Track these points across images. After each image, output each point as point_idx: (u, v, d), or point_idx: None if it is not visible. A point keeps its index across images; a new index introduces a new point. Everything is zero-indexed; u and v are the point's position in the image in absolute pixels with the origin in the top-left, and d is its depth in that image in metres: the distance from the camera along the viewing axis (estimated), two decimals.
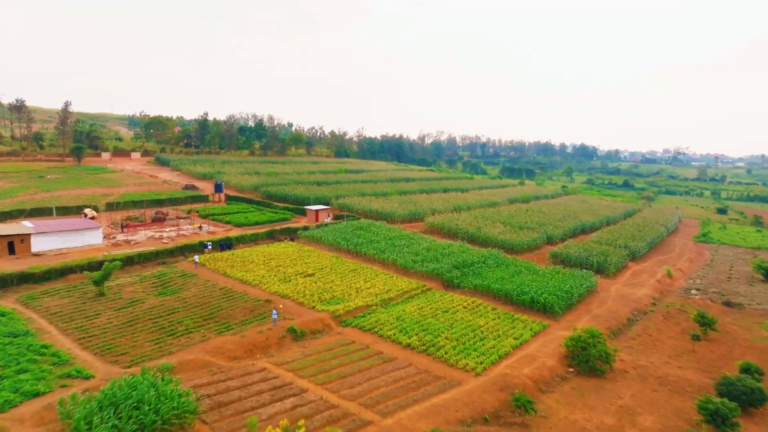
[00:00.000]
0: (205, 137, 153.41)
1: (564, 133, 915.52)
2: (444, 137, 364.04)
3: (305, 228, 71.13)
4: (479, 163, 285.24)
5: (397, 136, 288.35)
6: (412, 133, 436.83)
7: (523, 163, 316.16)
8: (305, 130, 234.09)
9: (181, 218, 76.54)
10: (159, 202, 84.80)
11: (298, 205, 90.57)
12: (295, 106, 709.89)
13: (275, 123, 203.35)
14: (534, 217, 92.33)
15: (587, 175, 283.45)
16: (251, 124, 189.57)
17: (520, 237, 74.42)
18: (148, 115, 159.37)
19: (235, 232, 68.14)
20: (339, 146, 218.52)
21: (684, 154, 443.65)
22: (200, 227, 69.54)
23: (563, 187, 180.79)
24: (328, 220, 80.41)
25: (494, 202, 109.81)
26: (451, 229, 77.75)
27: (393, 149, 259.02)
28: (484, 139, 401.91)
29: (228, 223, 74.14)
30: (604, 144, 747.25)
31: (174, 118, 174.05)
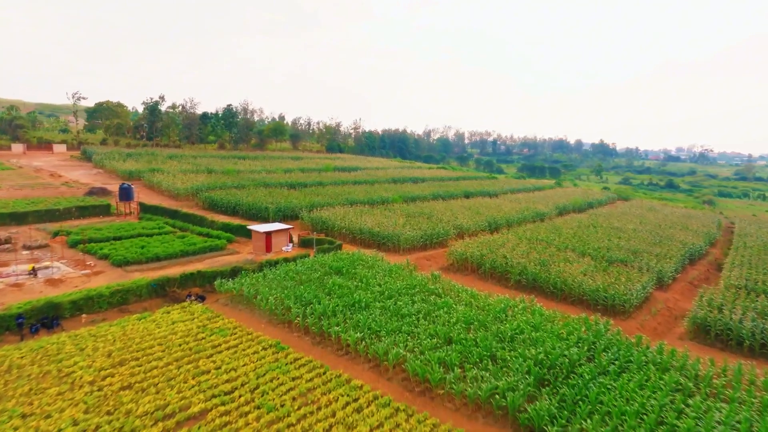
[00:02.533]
0: (155, 126, 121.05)
1: (573, 131, 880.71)
2: (451, 133, 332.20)
3: (234, 271, 38.53)
4: (492, 161, 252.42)
5: (400, 130, 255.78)
6: (416, 129, 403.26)
7: (540, 160, 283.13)
8: (293, 121, 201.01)
9: (32, 247, 44.56)
10: (18, 218, 52.78)
11: (249, 219, 59.01)
12: (294, 106, 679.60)
13: (256, 112, 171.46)
14: (612, 239, 59.87)
15: (615, 174, 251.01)
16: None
17: (620, 281, 41.76)
18: (83, 98, 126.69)
19: (98, 281, 36.05)
20: (332, 140, 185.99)
21: (710, 151, 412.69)
22: (34, 270, 37.32)
23: (604, 188, 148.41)
24: (288, 248, 48.26)
25: (541, 213, 77.35)
26: (496, 264, 45.39)
27: (396, 144, 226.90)
28: (494, 136, 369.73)
29: (104, 258, 41.99)
30: (618, 141, 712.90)
31: (127, 106, 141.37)
